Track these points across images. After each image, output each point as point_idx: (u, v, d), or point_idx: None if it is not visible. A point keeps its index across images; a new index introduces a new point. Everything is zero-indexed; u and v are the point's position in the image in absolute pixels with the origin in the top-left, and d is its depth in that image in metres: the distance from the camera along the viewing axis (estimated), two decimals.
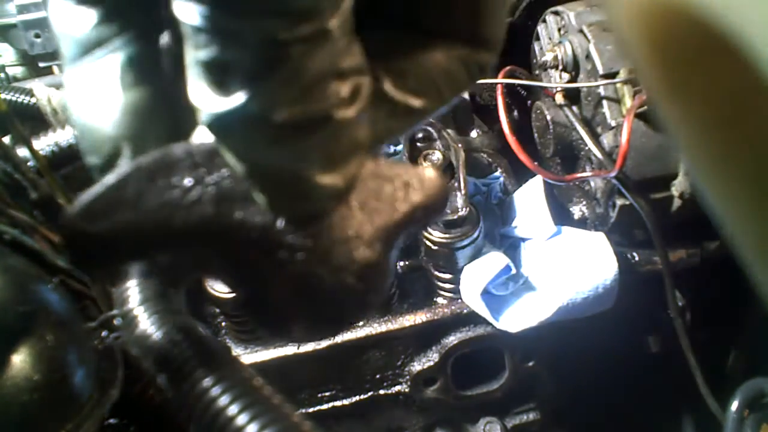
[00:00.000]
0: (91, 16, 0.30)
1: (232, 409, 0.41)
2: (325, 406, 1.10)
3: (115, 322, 0.62)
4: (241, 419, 0.40)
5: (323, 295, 0.31)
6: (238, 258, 0.30)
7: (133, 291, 0.47)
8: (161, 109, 0.31)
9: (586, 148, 1.06)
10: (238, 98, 0.25)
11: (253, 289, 0.32)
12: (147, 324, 0.45)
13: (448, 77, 0.32)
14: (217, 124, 0.26)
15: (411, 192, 0.32)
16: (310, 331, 0.34)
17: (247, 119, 0.26)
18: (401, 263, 1.12)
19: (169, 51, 0.30)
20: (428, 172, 0.33)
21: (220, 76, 0.25)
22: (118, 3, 0.30)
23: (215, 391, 0.42)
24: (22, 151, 0.75)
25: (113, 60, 0.30)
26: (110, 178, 0.29)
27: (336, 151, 0.28)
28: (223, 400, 0.41)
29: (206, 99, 0.26)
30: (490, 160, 1.25)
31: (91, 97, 0.31)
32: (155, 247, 0.30)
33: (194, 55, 0.25)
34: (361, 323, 1.06)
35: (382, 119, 0.31)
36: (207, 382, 0.42)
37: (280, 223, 0.29)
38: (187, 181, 0.29)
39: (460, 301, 1.06)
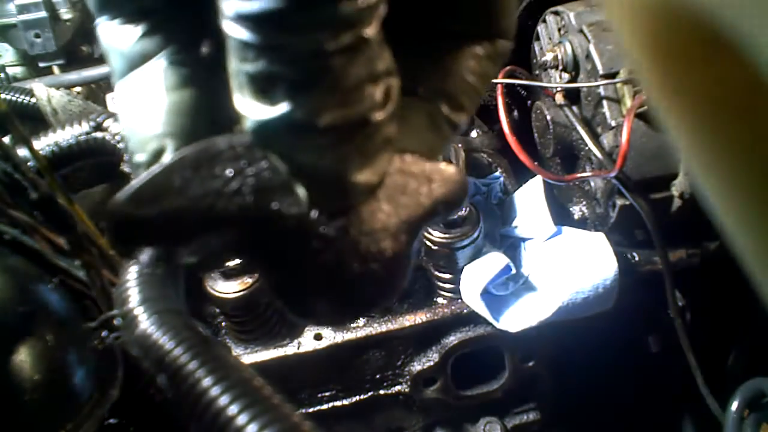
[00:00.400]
0: (135, 32, 0.32)
1: (232, 409, 0.41)
2: (325, 406, 1.10)
3: (115, 322, 0.62)
4: (241, 419, 0.40)
5: (350, 282, 0.33)
6: (272, 245, 0.32)
7: (132, 291, 0.47)
8: (202, 108, 0.32)
9: (586, 148, 1.06)
10: (283, 107, 0.27)
11: (283, 274, 0.33)
12: (147, 324, 0.45)
13: (483, 79, 0.34)
14: (263, 130, 0.28)
15: (434, 187, 0.34)
16: (335, 314, 0.36)
17: (292, 126, 0.27)
18: None
19: (209, 56, 0.32)
20: (449, 168, 0.35)
21: (266, 86, 0.27)
22: (160, 18, 0.32)
23: (215, 391, 0.42)
24: (22, 151, 0.75)
25: (157, 66, 0.32)
26: (156, 168, 0.30)
27: (371, 150, 0.29)
28: (223, 400, 0.41)
29: (251, 108, 0.27)
30: (490, 160, 1.25)
31: (137, 101, 0.32)
32: (196, 233, 0.32)
33: (240, 67, 0.27)
34: (361, 323, 1.06)
35: (437, 139, 0.34)
36: (207, 382, 0.42)
37: (314, 214, 0.31)
38: (228, 172, 0.30)
39: (460, 301, 1.06)
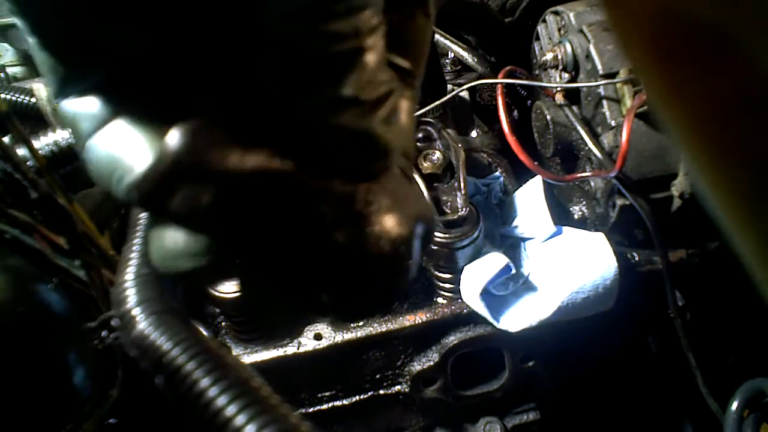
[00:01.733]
0: (95, 102, 0.33)
1: (231, 410, 0.41)
2: (325, 406, 1.10)
3: (113, 323, 0.62)
4: (240, 419, 0.40)
5: (359, 267, 0.34)
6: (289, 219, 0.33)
7: (130, 291, 0.47)
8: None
9: (586, 148, 1.06)
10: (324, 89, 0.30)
11: (291, 258, 0.34)
12: (145, 325, 0.45)
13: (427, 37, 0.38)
14: (316, 105, 0.31)
15: (415, 202, 0.36)
16: (339, 304, 0.36)
17: (340, 101, 0.30)
18: None
19: None
20: (419, 190, 0.37)
21: (315, 69, 0.30)
22: (128, 89, 0.32)
23: (213, 391, 0.42)
24: (22, 151, 0.75)
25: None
26: None
27: (395, 115, 0.33)
28: (222, 401, 0.41)
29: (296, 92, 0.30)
30: (490, 160, 1.25)
31: (111, 146, 0.33)
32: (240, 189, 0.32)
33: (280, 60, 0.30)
34: (361, 323, 1.06)
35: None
36: (205, 382, 0.42)
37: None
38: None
39: (460, 301, 1.06)
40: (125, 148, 0.31)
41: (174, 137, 0.29)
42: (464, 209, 1.01)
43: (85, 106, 0.32)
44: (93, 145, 0.33)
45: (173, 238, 0.32)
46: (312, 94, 0.30)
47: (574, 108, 1.13)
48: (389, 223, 0.34)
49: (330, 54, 0.29)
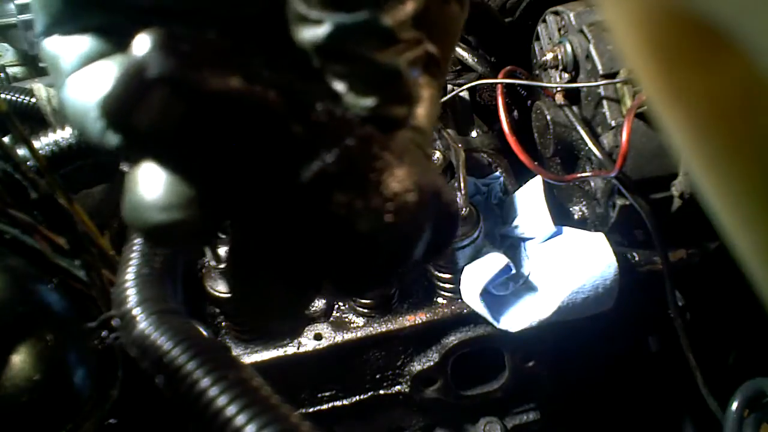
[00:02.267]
0: (92, 40, 0.31)
1: (231, 410, 0.41)
2: (325, 406, 1.10)
3: (113, 323, 0.62)
4: (240, 419, 0.40)
5: (362, 242, 0.29)
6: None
7: (131, 291, 0.47)
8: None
9: (586, 148, 1.06)
10: (365, 14, 0.29)
11: (287, 217, 0.29)
12: (145, 325, 0.45)
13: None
14: (342, 33, 0.29)
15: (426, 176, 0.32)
16: (340, 286, 0.32)
17: (374, 30, 0.30)
18: None
19: None
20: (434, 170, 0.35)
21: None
22: (117, 33, 0.31)
23: (213, 391, 0.42)
24: (22, 151, 0.75)
25: (113, 57, 0.31)
26: None
27: (421, 62, 0.32)
28: (222, 401, 0.41)
29: (328, 14, 0.29)
30: (490, 160, 1.25)
31: (98, 85, 0.31)
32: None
33: None
34: (360, 323, 1.06)
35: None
36: (205, 382, 0.42)
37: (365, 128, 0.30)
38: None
39: (460, 301, 1.06)
40: (106, 85, 0.27)
41: (142, 41, 0.26)
42: (464, 209, 1.01)
43: (73, 45, 0.31)
44: (74, 81, 0.31)
45: (151, 186, 0.28)
46: (351, 10, 0.29)
47: (574, 108, 1.13)
48: (403, 185, 0.29)
49: None
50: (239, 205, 0.28)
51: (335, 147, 0.28)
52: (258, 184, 0.28)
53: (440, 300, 1.09)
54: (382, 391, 1.10)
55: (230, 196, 0.28)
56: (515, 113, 1.39)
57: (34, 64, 1.42)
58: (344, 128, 0.29)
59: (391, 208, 0.29)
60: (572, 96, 1.15)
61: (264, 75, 0.28)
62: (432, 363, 1.08)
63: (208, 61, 0.26)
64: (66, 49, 0.31)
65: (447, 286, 1.08)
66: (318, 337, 1.04)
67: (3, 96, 1.03)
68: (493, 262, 1.02)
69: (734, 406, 1.02)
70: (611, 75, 1.05)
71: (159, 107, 0.26)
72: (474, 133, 1.33)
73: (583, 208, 1.21)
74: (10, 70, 1.41)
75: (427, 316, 1.05)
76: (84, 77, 0.31)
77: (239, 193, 0.28)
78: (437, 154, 1.09)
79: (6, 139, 0.73)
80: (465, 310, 1.05)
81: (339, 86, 0.30)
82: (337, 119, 0.29)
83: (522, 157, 1.05)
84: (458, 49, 1.33)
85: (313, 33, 0.29)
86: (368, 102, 0.30)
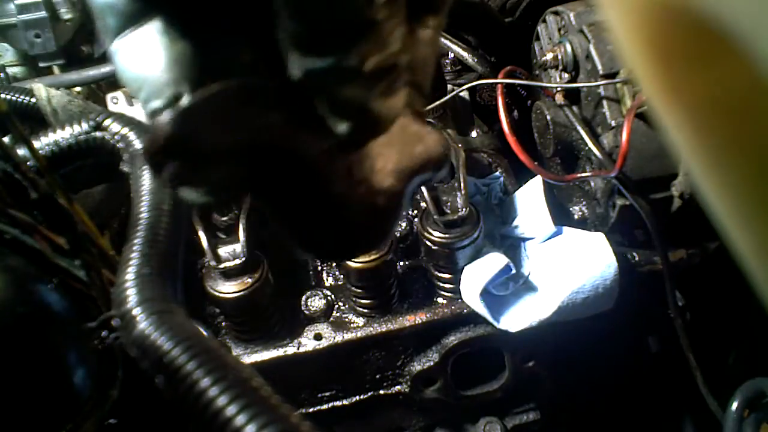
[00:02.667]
0: None
1: (231, 410, 0.41)
2: (325, 406, 1.10)
3: (114, 323, 0.62)
4: (240, 419, 0.40)
5: (354, 215, 0.38)
6: (286, 179, 0.36)
7: (131, 291, 0.47)
8: (202, 58, 0.35)
9: (586, 148, 1.06)
10: (331, 59, 0.31)
11: (293, 207, 0.38)
12: (145, 325, 0.45)
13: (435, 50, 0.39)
14: (312, 76, 0.32)
15: (424, 146, 0.39)
16: (338, 246, 0.40)
17: (341, 71, 0.31)
18: (401, 263, 1.12)
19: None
20: (436, 133, 0.41)
21: (318, 44, 0.31)
22: None
23: (213, 391, 0.42)
24: (22, 151, 0.75)
25: (155, 23, 0.34)
26: (189, 103, 0.33)
27: (396, 87, 0.34)
28: (222, 401, 0.41)
29: (303, 60, 0.31)
30: (490, 160, 1.25)
31: (142, 55, 0.34)
32: (220, 162, 0.35)
33: (293, 28, 0.31)
34: (361, 323, 1.06)
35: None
36: (205, 382, 0.42)
37: (334, 148, 0.35)
38: (256, 110, 0.34)
39: (460, 301, 1.06)
40: (150, 67, 0.33)
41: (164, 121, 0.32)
42: (464, 209, 1.01)
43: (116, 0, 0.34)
44: (120, 51, 0.34)
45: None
46: (320, 57, 0.31)
47: (574, 108, 1.13)
48: (377, 182, 0.37)
49: (339, 20, 0.30)
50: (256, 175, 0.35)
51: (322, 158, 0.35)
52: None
53: (440, 300, 1.09)
54: (382, 391, 1.10)
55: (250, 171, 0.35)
56: (515, 113, 1.39)
57: (34, 64, 1.42)
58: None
59: (370, 196, 0.37)
60: (572, 96, 1.15)
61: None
62: (432, 363, 1.08)
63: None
64: (109, 3, 0.34)
65: (447, 286, 1.08)
66: (318, 337, 1.04)
67: (3, 96, 1.03)
68: (493, 262, 1.02)
69: (734, 406, 1.02)
70: (611, 75, 1.05)
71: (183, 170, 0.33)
72: (474, 133, 1.33)
73: (583, 208, 1.21)
74: (10, 70, 1.41)
75: (427, 316, 1.05)
76: (128, 49, 0.34)
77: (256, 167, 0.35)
78: None
79: (6, 139, 0.73)
80: (465, 310, 1.05)
81: (322, 110, 0.34)
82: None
83: (522, 157, 1.05)
84: (458, 49, 1.33)
85: (291, 68, 0.32)
86: (343, 128, 0.34)
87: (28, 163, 0.66)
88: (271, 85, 0.33)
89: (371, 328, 1.05)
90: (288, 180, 0.36)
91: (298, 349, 1.04)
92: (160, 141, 0.32)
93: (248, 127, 0.34)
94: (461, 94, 1.30)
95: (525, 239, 1.10)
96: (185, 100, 0.33)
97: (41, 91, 1.04)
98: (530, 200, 1.11)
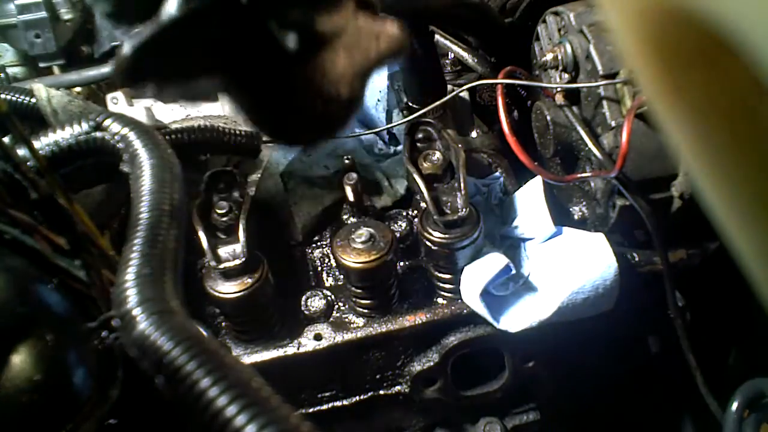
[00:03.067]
0: None
1: (231, 410, 0.41)
2: (325, 407, 1.10)
3: (114, 323, 0.62)
4: (240, 420, 0.40)
5: (316, 104, 0.43)
6: (257, 73, 0.41)
7: (131, 291, 0.47)
8: None
9: (586, 148, 1.06)
10: None
11: (262, 98, 0.43)
12: (145, 325, 0.45)
13: None
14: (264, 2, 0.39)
15: (380, 42, 0.44)
16: (301, 132, 0.47)
17: None
18: (401, 263, 1.12)
19: None
20: (393, 26, 0.45)
21: None
22: None
23: (213, 391, 0.42)
24: (22, 151, 0.75)
25: None
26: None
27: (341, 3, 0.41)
28: (222, 401, 0.41)
29: None
30: (490, 160, 1.25)
31: None
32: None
33: None
34: (361, 323, 1.06)
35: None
36: (205, 382, 0.42)
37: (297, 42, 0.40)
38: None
39: (460, 301, 1.06)
40: None
41: None
42: (464, 210, 1.01)
43: None
44: None
45: None
46: None
47: (574, 108, 1.13)
48: (333, 89, 0.43)
49: None
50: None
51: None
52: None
53: (440, 300, 1.09)
54: (382, 392, 1.10)
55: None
56: (515, 113, 1.39)
57: (34, 64, 1.42)
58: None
59: (329, 91, 0.43)
60: (572, 96, 1.15)
61: None
62: (432, 363, 1.08)
63: None
64: None
65: (447, 286, 1.08)
66: (318, 337, 1.04)
67: (3, 96, 1.03)
68: (493, 262, 1.02)
69: (734, 406, 1.02)
70: (611, 75, 1.05)
71: None
72: (474, 134, 1.33)
73: (583, 209, 1.21)
74: (10, 70, 1.41)
75: (427, 316, 1.05)
76: None
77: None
78: (437, 155, 1.09)
79: (6, 139, 0.73)
80: (465, 311, 1.05)
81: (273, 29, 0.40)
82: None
83: (522, 157, 1.05)
84: (458, 50, 1.33)
85: None
86: (291, 44, 0.39)
87: (28, 163, 0.66)
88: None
89: (371, 329, 1.05)
90: (256, 78, 0.41)
91: (298, 349, 1.04)
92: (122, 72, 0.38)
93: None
94: (461, 94, 1.30)
95: (525, 239, 1.10)
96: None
97: (41, 91, 1.04)
98: (530, 200, 1.11)
